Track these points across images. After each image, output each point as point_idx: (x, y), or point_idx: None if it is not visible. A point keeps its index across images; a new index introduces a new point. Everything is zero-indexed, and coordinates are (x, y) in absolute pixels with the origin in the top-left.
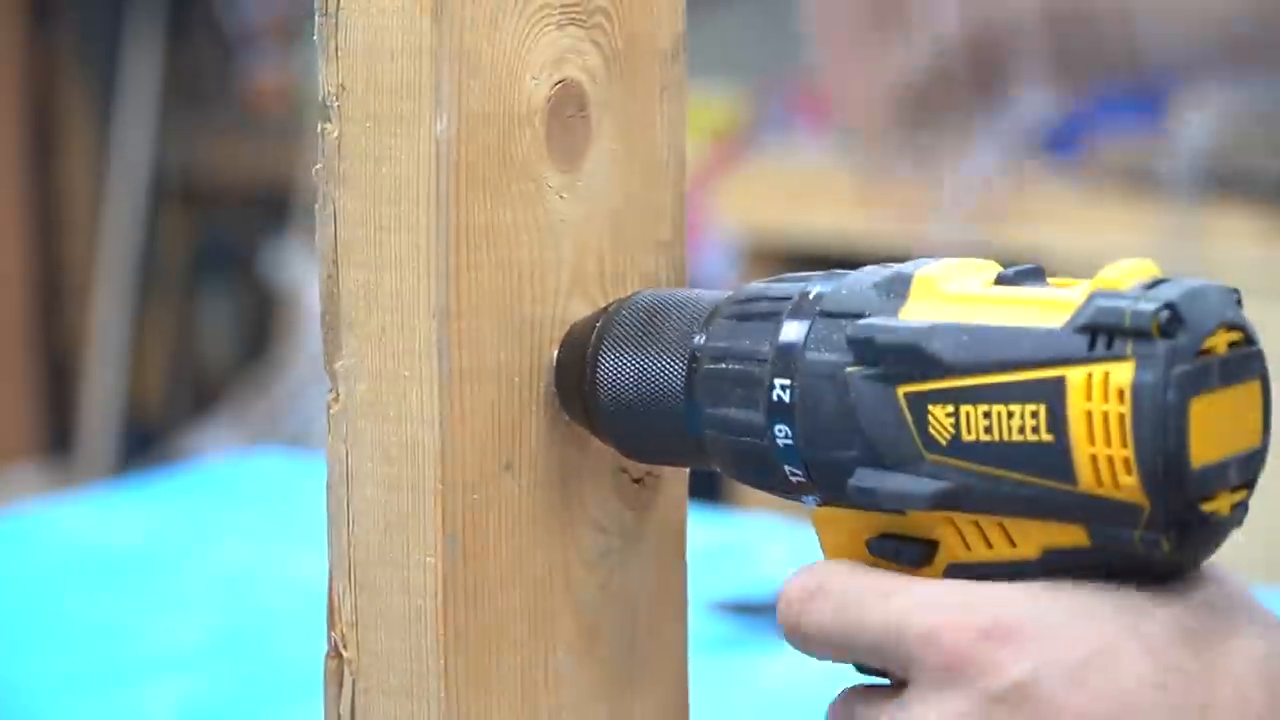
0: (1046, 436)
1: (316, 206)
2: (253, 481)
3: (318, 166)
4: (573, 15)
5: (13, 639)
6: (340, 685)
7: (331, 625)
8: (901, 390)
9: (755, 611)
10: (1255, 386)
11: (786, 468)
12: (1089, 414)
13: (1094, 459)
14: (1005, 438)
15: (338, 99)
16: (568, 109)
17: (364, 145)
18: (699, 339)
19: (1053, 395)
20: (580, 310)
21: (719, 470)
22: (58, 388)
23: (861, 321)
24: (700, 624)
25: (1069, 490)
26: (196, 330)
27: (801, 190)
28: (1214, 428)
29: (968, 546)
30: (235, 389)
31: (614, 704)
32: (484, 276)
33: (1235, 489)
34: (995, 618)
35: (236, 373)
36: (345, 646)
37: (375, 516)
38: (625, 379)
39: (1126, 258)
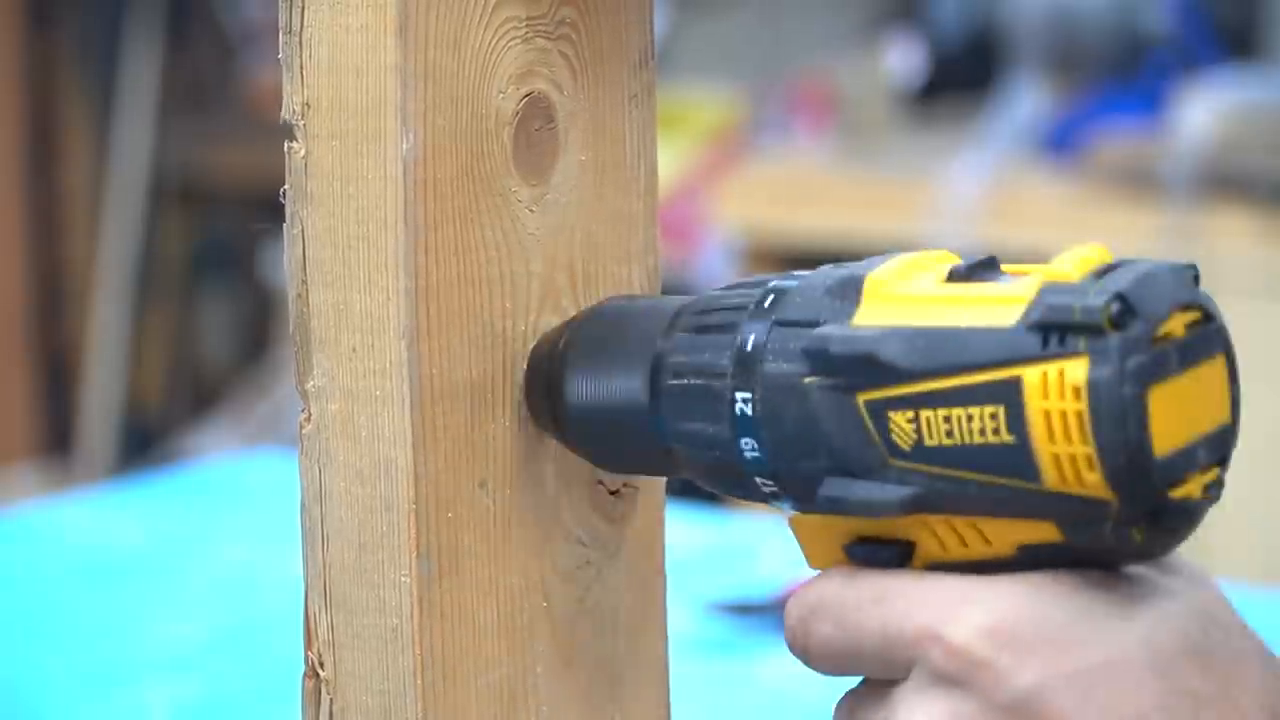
0: (1008, 438)
1: (285, 226)
2: (253, 482)
3: (285, 186)
4: (539, 28)
5: (13, 639)
6: (318, 705)
7: (308, 645)
8: (861, 398)
9: (755, 611)
10: (1219, 362)
11: (757, 479)
12: (1047, 413)
13: (1056, 458)
14: (967, 440)
15: (303, 117)
16: (535, 122)
17: (330, 164)
18: (660, 349)
19: (1010, 396)
20: (552, 324)
21: (693, 480)
22: (57, 388)
23: (815, 331)
24: (700, 624)
25: (1035, 489)
26: (196, 330)
27: (800, 191)
28: (1177, 413)
29: (943, 547)
30: (235, 389)
31: (594, 718)
32: (453, 294)
33: (1205, 469)
34: (996, 615)
35: (236, 373)
36: (322, 666)
37: (349, 536)
38: (591, 392)
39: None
